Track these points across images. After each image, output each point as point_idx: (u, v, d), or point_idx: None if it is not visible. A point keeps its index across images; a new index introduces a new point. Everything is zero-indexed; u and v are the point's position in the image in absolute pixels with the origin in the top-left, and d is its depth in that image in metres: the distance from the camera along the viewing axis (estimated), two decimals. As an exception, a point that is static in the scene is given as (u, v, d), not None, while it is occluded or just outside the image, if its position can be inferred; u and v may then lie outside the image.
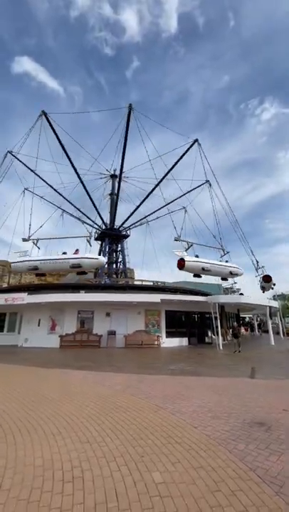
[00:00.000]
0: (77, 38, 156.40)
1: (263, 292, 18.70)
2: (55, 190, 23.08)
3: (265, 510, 2.14)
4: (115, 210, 27.35)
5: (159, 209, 25.71)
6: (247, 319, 40.24)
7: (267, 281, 17.63)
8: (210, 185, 21.13)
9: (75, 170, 22.34)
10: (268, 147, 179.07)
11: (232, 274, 17.34)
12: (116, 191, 29.08)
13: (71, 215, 24.95)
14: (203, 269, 15.64)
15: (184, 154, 21.31)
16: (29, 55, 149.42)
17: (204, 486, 2.46)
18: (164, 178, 22.67)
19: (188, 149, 21.00)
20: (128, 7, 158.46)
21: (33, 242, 17.44)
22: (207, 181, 21.41)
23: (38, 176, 21.05)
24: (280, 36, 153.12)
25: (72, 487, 2.45)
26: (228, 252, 17.62)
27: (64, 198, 23.94)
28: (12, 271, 19.05)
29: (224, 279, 17.69)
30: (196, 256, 15.99)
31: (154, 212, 26.34)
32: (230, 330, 16.39)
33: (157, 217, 26.81)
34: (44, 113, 19.32)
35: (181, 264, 14.90)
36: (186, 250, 15.85)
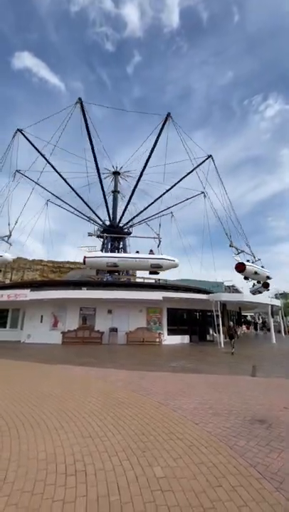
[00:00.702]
0: (78, 33, 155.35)
1: (253, 295, 19.76)
2: (64, 179, 22.91)
3: (265, 506, 2.17)
4: (125, 207, 27.24)
5: (161, 211, 25.90)
6: (249, 317, 40.27)
7: (265, 286, 18.74)
8: (205, 196, 21.50)
9: (96, 162, 21.95)
10: (271, 144, 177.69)
11: (268, 278, 18.22)
12: (118, 188, 29.15)
13: (71, 206, 24.98)
14: (255, 272, 16.44)
15: (195, 168, 21.40)
16: (29, 51, 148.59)
17: (205, 481, 2.49)
18: (174, 186, 23.48)
19: (200, 164, 21.06)
20: (129, 1, 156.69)
21: (104, 238, 17.21)
22: (202, 192, 21.85)
23: (47, 161, 20.60)
24: (286, 32, 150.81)
25: (75, 480, 2.50)
26: (259, 259, 18.10)
27: (73, 189, 23.79)
28: (86, 266, 18.76)
29: (259, 282, 18.59)
30: (248, 261, 16.76)
31: (156, 213, 26.47)
32: (227, 330, 16.43)
33: (149, 220, 27.20)
34: (80, 100, 19.07)
35: (241, 268, 15.49)
36: (238, 255, 16.58)
